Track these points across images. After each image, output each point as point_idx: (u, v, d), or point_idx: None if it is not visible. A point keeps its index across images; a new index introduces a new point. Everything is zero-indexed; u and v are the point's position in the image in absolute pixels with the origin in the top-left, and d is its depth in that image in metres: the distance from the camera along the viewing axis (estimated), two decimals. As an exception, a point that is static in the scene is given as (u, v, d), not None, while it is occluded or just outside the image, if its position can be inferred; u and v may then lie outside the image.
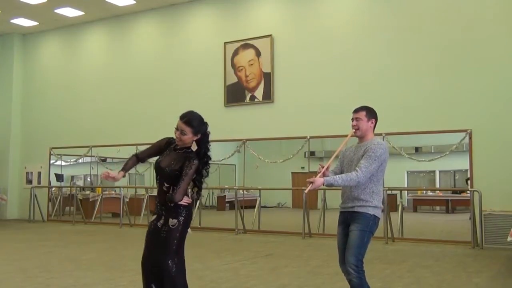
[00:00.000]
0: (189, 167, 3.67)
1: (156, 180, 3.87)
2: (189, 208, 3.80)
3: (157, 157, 3.93)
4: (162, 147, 3.93)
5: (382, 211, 4.22)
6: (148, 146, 4.03)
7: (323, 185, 3.83)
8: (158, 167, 3.82)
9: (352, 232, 3.93)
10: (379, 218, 4.00)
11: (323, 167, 4.00)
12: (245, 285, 5.80)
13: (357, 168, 3.88)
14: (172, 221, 3.71)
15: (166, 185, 3.75)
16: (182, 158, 3.74)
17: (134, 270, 5.80)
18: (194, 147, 3.75)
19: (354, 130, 4.11)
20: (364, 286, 3.85)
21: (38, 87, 15.79)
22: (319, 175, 3.94)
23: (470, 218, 9.22)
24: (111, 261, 7.51)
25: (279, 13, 12.17)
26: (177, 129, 3.75)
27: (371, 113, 4.15)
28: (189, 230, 3.82)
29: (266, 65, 11.99)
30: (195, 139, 3.75)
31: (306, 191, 4.02)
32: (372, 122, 4.13)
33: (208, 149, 3.84)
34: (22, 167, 15.77)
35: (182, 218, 3.74)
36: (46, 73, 15.74)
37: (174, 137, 3.83)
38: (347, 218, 4.01)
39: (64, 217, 14.99)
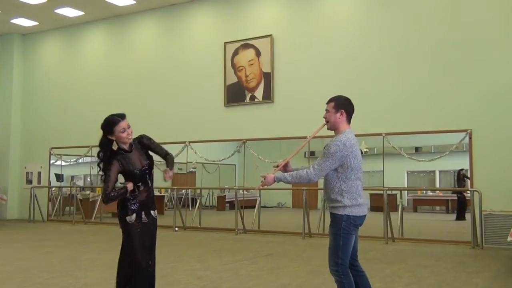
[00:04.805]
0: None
1: (140, 184, 4.06)
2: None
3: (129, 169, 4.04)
4: (116, 163, 3.99)
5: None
6: (111, 178, 4.03)
7: (275, 181, 3.84)
8: (137, 173, 4.04)
9: (329, 236, 3.92)
10: (354, 216, 3.79)
11: (278, 165, 4.01)
12: (245, 285, 5.79)
13: (310, 165, 3.86)
14: (154, 212, 4.19)
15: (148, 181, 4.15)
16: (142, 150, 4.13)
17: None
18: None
19: (324, 123, 4.02)
20: None
21: (38, 87, 15.80)
22: (274, 171, 3.93)
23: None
24: (111, 261, 7.47)
25: (279, 13, 12.17)
26: (124, 130, 3.96)
27: (340, 104, 3.94)
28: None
29: (266, 65, 11.99)
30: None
31: (256, 187, 4.06)
32: (342, 114, 3.91)
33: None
34: (22, 167, 15.78)
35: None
36: (46, 73, 15.74)
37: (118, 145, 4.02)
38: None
39: (64, 217, 15.00)
